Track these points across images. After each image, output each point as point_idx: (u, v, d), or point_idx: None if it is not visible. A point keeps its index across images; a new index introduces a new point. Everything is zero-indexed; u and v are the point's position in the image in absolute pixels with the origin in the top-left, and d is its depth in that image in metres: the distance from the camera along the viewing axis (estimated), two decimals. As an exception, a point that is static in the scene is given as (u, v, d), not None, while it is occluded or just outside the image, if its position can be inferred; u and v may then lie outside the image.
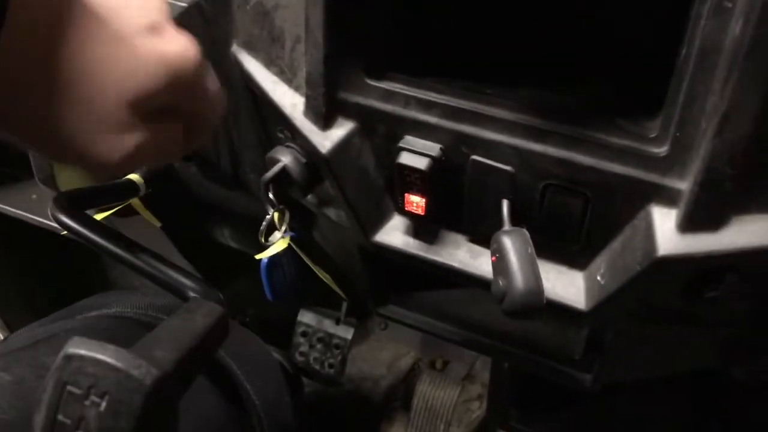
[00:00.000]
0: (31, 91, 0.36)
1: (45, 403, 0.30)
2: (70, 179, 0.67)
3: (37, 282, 1.45)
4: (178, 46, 0.41)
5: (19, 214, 1.21)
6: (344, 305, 1.27)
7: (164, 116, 0.43)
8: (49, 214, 0.52)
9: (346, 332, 1.26)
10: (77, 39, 0.37)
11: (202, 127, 0.47)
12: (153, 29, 0.40)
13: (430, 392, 1.33)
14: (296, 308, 1.31)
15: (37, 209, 1.22)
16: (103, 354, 0.30)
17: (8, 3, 0.32)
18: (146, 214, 0.63)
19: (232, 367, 0.68)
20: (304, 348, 1.27)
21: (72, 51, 0.36)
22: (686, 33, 0.42)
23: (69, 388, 0.30)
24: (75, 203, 0.53)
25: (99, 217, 0.61)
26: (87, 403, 0.29)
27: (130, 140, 0.40)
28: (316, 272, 0.67)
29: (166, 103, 0.42)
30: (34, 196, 1.24)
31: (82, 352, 0.30)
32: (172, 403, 0.32)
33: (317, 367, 1.27)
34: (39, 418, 0.30)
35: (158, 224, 0.65)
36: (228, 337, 0.43)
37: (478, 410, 1.43)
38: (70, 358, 0.30)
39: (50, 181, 0.66)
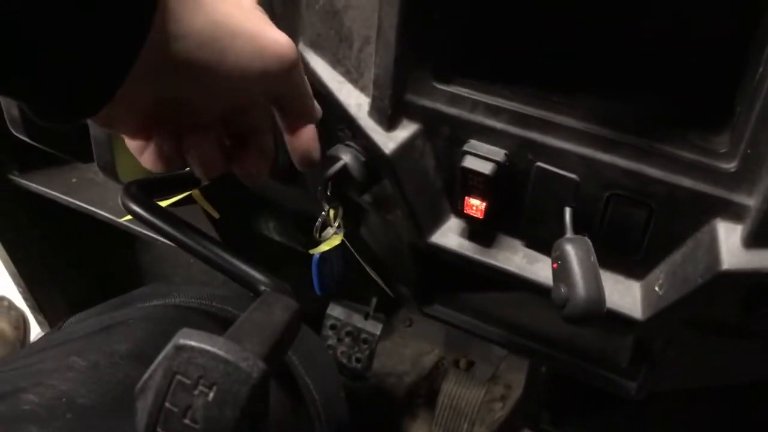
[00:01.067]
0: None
1: (153, 391, 0.31)
2: (130, 168, 0.68)
3: (70, 265, 1.47)
4: (281, 35, 0.43)
5: (58, 197, 1.23)
6: (374, 300, 1.28)
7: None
8: (119, 202, 0.53)
9: (375, 327, 1.27)
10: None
11: (299, 130, 0.49)
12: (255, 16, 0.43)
13: (456, 391, 1.34)
14: (325, 302, 1.32)
15: (76, 192, 1.24)
16: (213, 346, 0.31)
17: None
18: (206, 205, 0.64)
19: (293, 360, 0.69)
20: (332, 341, 1.29)
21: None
22: (764, 51, 0.43)
23: (178, 377, 0.31)
24: (144, 192, 0.54)
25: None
26: (195, 392, 0.31)
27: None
28: (367, 269, 0.68)
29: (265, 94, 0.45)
30: (74, 180, 1.25)
31: (193, 343, 0.31)
32: (268, 394, 0.33)
33: (344, 360, 1.28)
34: (145, 404, 0.31)
35: (216, 215, 0.67)
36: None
37: (500, 411, 1.44)
38: (180, 348, 0.31)
39: (110, 168, 0.67)
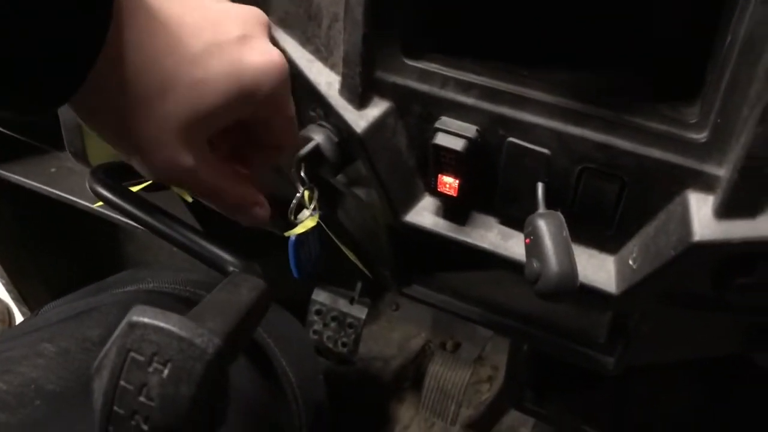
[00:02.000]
0: (110, 98, 0.39)
1: (108, 369, 0.31)
2: (101, 153, 0.67)
3: (52, 255, 1.46)
4: (263, 56, 0.44)
5: (37, 186, 1.22)
6: (359, 285, 1.28)
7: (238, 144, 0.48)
8: (87, 186, 0.52)
9: (360, 312, 1.27)
10: (147, 48, 0.39)
11: (274, 155, 0.51)
12: (243, 38, 0.43)
13: (442, 373, 1.34)
14: (309, 287, 1.32)
15: (55, 182, 1.22)
16: (167, 322, 0.31)
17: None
18: (178, 189, 0.64)
19: (267, 341, 0.69)
20: (317, 326, 1.28)
21: (142, 61, 0.39)
22: (732, 20, 0.43)
23: (132, 354, 0.30)
24: (112, 176, 0.53)
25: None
26: (150, 369, 0.30)
27: (186, 160, 0.43)
28: (345, 251, 0.67)
29: (239, 118, 0.45)
30: (53, 170, 1.24)
31: (146, 320, 0.31)
32: (227, 373, 0.33)
33: (330, 345, 1.28)
34: (100, 384, 0.31)
35: (189, 200, 0.66)
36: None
37: (487, 392, 1.44)
38: (133, 325, 0.31)
39: (81, 154, 0.66)
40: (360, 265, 0.71)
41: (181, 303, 0.67)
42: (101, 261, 1.51)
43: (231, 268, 0.48)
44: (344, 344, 1.27)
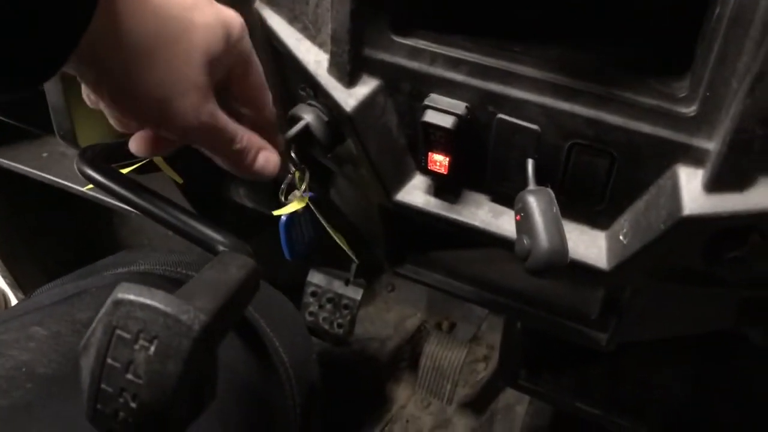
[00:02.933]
0: (118, 52, 0.40)
1: (94, 347, 0.31)
2: (90, 135, 0.67)
3: (47, 240, 1.46)
4: (230, 11, 0.47)
5: (29, 171, 1.21)
6: (353, 266, 1.28)
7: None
8: (75, 167, 0.52)
9: (356, 293, 1.27)
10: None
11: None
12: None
13: (438, 353, 1.35)
14: (305, 269, 1.32)
15: (47, 167, 1.22)
16: (152, 299, 0.30)
17: None
18: (168, 171, 0.63)
19: (259, 322, 0.69)
20: (313, 308, 1.28)
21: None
22: (720, -7, 0.42)
23: (118, 332, 0.30)
24: (100, 157, 0.53)
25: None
26: (136, 347, 0.30)
27: (207, 106, 0.45)
28: (332, 234, 0.67)
29: (225, 67, 0.47)
30: (44, 154, 1.23)
31: (132, 297, 0.31)
32: (215, 350, 0.33)
33: (326, 326, 1.28)
34: (88, 362, 0.31)
35: (180, 181, 0.65)
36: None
37: (483, 371, 1.45)
38: (119, 303, 0.31)
39: (70, 136, 0.66)
40: (347, 249, 0.71)
41: (172, 284, 0.66)
42: (96, 244, 1.51)
43: (220, 248, 0.48)
44: (340, 325, 1.27)
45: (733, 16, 0.41)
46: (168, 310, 0.30)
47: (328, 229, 0.69)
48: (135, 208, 0.50)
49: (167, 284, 0.66)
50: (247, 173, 0.52)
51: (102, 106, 0.47)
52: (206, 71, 0.45)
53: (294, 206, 0.65)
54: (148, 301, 0.30)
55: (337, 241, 0.70)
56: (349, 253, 0.79)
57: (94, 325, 0.31)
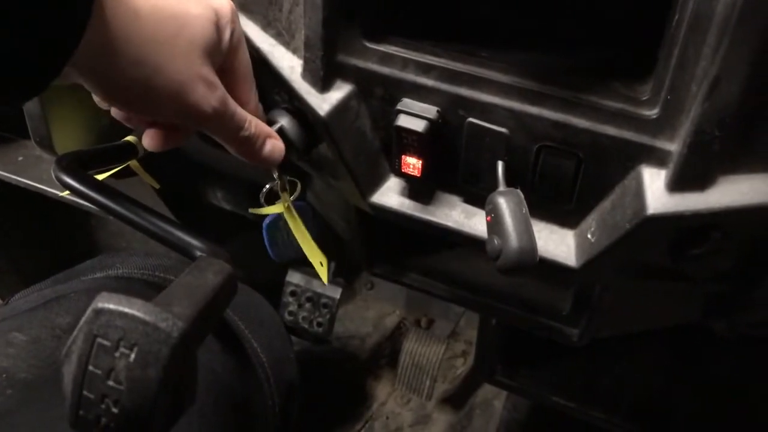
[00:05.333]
0: (119, 61, 0.41)
1: (76, 355, 0.31)
2: (67, 141, 0.67)
3: (23, 244, 1.45)
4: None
5: (4, 176, 1.20)
6: (332, 265, 1.29)
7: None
8: (52, 174, 0.52)
9: (334, 292, 1.28)
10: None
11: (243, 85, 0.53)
12: None
13: (417, 349, 1.36)
14: (284, 269, 1.33)
15: (23, 171, 1.21)
16: (131, 308, 0.31)
17: None
18: (145, 176, 0.64)
19: (237, 323, 0.69)
20: (292, 307, 1.29)
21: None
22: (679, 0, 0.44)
23: (99, 340, 0.31)
24: (77, 164, 0.54)
25: (98, 178, 0.62)
26: (117, 354, 0.31)
27: (217, 92, 0.47)
28: (300, 242, 0.67)
29: (223, 53, 0.49)
30: (20, 158, 1.23)
31: (111, 306, 0.31)
32: (194, 355, 0.34)
33: (306, 325, 1.29)
34: (70, 369, 0.31)
35: (156, 186, 0.66)
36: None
37: (462, 366, 1.47)
38: (99, 312, 0.31)
39: (47, 143, 0.66)
40: (315, 247, 0.71)
41: (150, 288, 0.67)
42: (73, 249, 1.50)
43: (198, 253, 0.48)
44: (319, 324, 1.29)
45: (692, 23, 0.43)
46: (147, 318, 0.31)
47: (294, 233, 0.69)
48: (112, 215, 0.50)
49: (146, 288, 0.67)
50: (256, 160, 0.54)
51: (114, 112, 0.49)
52: (207, 61, 0.46)
53: (271, 209, 0.66)
54: (128, 310, 0.31)
55: (302, 246, 0.70)
56: (318, 251, 0.80)
57: (75, 333, 0.32)
